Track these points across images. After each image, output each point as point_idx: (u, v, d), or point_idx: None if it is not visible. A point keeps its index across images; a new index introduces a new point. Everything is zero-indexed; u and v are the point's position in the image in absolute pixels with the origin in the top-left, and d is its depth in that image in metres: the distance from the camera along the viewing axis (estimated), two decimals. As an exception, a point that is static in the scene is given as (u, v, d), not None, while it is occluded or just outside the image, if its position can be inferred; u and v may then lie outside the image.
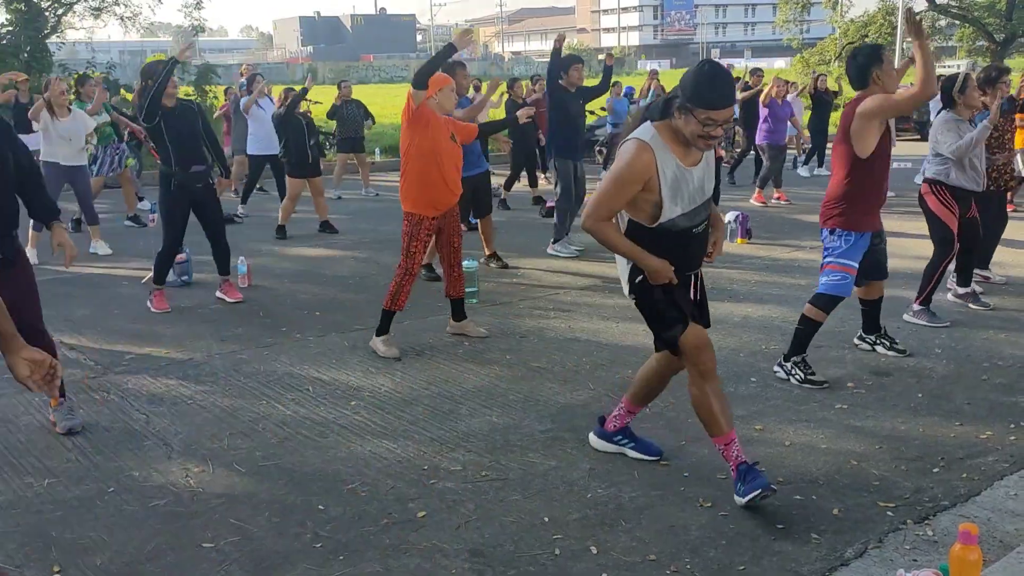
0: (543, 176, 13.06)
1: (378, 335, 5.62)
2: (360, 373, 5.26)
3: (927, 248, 8.45)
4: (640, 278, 3.56)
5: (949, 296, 6.54)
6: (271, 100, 11.04)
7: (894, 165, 15.56)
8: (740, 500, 3.48)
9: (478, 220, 8.21)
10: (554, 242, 8.68)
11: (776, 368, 5.09)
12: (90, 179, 9.23)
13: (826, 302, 4.95)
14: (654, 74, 14.06)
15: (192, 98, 14.52)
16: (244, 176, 11.50)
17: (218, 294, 7.01)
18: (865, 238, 4.90)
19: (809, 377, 4.93)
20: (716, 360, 3.62)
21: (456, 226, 5.80)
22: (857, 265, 4.90)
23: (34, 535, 3.40)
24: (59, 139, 8.51)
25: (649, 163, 3.35)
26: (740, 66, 13.92)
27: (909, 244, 8.80)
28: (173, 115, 6.42)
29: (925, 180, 6.22)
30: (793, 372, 4.97)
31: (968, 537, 2.67)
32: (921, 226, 9.62)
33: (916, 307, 6.10)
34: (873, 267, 5.10)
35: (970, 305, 6.40)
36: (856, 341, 5.58)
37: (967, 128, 6.09)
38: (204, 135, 6.67)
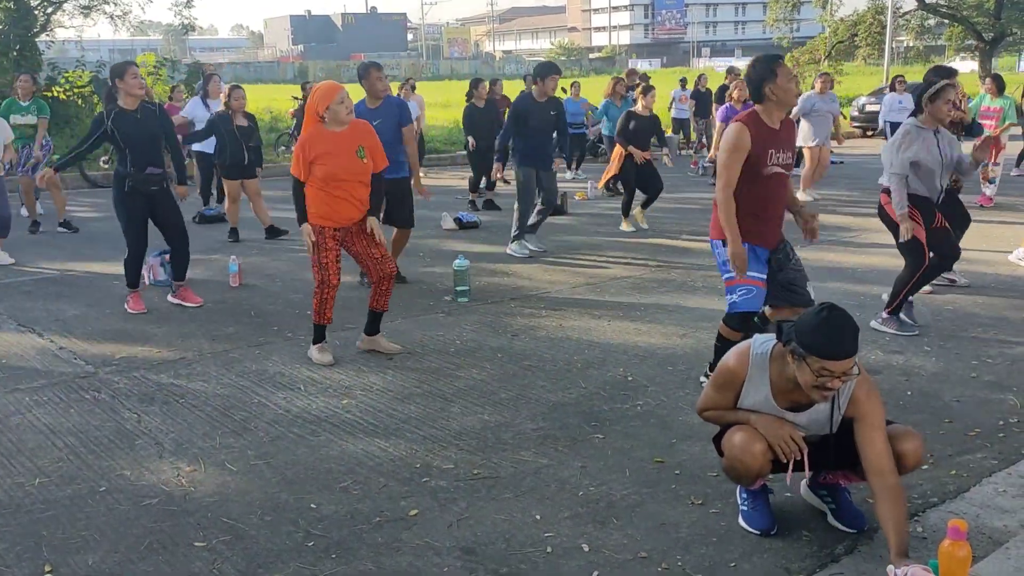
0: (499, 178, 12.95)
1: (314, 343, 5.47)
2: (352, 372, 5.26)
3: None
4: None
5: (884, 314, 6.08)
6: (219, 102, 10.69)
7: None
8: None
9: (396, 229, 7.39)
10: (512, 242, 8.61)
11: (702, 379, 4.90)
12: (4, 183, 8.53)
13: (739, 321, 4.59)
14: (633, 74, 14.14)
15: (185, 97, 14.43)
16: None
17: (172, 299, 6.82)
18: (757, 250, 4.53)
19: None
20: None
21: (370, 238, 5.35)
22: (764, 277, 4.55)
23: (25, 535, 3.39)
24: None
25: (737, 377, 3.21)
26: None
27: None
28: (132, 118, 6.28)
29: (884, 190, 5.93)
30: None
31: (957, 533, 2.68)
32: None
33: (884, 315, 5.91)
34: (785, 289, 4.61)
35: (890, 330, 5.89)
36: None
37: (928, 139, 5.69)
38: (166, 139, 6.52)
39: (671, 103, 17.99)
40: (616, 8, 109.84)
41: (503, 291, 7.18)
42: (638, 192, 10.10)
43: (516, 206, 8.57)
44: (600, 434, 4.28)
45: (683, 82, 18.13)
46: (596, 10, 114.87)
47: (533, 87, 8.31)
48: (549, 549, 3.25)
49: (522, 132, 8.24)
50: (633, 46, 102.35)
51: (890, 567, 2.82)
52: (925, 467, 3.84)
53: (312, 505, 3.60)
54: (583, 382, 5.02)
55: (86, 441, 4.27)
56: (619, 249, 8.80)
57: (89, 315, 6.57)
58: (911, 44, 38.79)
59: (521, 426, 4.39)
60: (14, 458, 4.08)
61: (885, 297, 6.20)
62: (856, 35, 32.22)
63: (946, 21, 32.32)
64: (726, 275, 4.59)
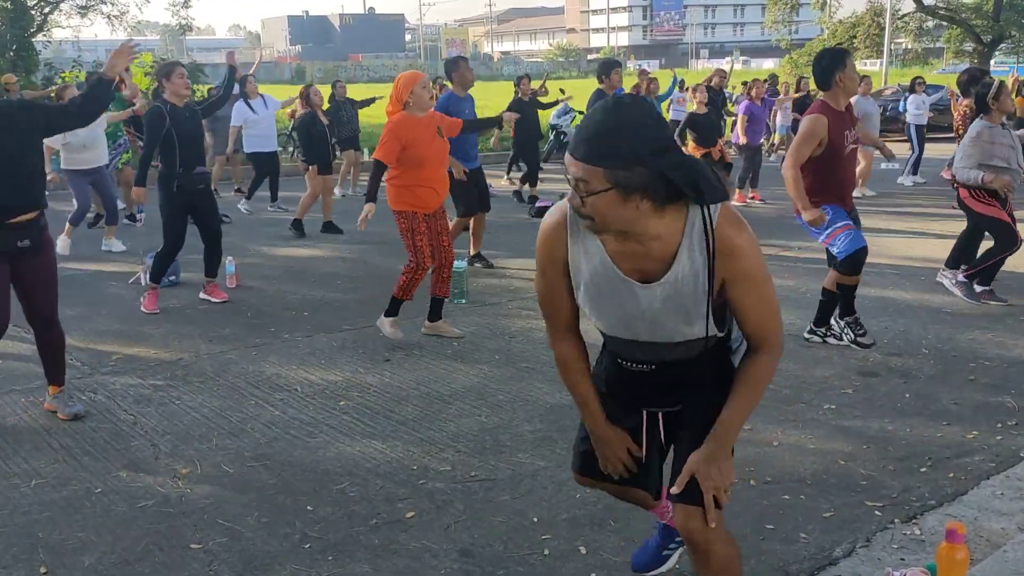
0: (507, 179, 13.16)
1: (386, 315, 5.73)
2: (349, 373, 5.25)
3: (914, 248, 8.51)
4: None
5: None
6: (263, 100, 11.04)
7: (882, 166, 15.54)
8: None
9: (474, 216, 8.07)
10: None
11: (834, 322, 5.50)
12: (111, 179, 9.37)
13: (851, 264, 5.18)
14: (644, 74, 14.12)
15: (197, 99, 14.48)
16: (223, 177, 11.64)
17: (202, 295, 6.99)
18: (840, 209, 5.14)
19: (859, 339, 5.37)
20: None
21: (444, 225, 5.79)
22: (853, 223, 5.14)
23: (21, 536, 3.38)
24: (81, 146, 8.55)
25: (558, 238, 2.34)
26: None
27: (896, 244, 8.85)
28: (183, 115, 6.40)
29: (961, 185, 6.29)
30: (846, 331, 5.41)
31: (955, 536, 2.68)
32: (907, 227, 9.69)
33: (960, 277, 6.23)
34: None
35: (990, 302, 6.42)
36: (814, 336, 5.66)
37: (1000, 136, 6.14)
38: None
39: (669, 104, 17.98)
40: (615, 9, 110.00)
41: (501, 293, 7.18)
42: None
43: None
44: (598, 436, 4.27)
45: (681, 83, 18.11)
46: (594, 11, 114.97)
47: (600, 84, 8.67)
48: (547, 551, 3.24)
49: None
50: (631, 47, 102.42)
51: (888, 569, 2.82)
52: (923, 469, 3.85)
53: (309, 507, 3.60)
54: (581, 384, 5.00)
55: (82, 442, 4.26)
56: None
57: (86, 316, 6.56)
58: (909, 46, 38.91)
59: (519, 428, 4.39)
60: (10, 459, 4.07)
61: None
62: (854, 37, 32.29)
63: (945, 23, 32.40)
64: (821, 236, 5.15)
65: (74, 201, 9.04)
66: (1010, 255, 6.28)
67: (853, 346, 5.40)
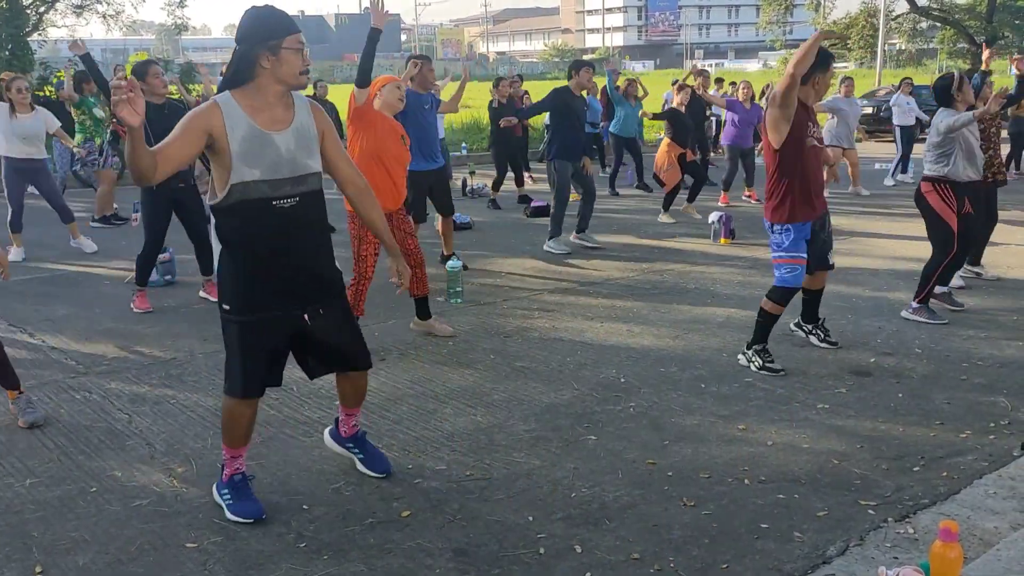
0: (528, 176, 13.12)
1: None
2: (344, 373, 5.24)
3: (907, 248, 8.53)
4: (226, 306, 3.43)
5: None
6: None
7: (875, 166, 15.58)
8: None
9: (440, 218, 7.94)
10: (549, 239, 8.74)
11: (739, 356, 5.31)
12: (53, 177, 9.07)
13: (781, 294, 5.14)
14: (615, 74, 14.32)
15: (176, 97, 14.39)
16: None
17: (202, 293, 6.99)
18: (804, 228, 5.04)
19: (767, 364, 5.14)
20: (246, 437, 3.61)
21: (406, 226, 5.76)
22: (805, 255, 5.07)
23: (15, 535, 3.38)
24: (14, 137, 8.35)
25: (211, 118, 3.22)
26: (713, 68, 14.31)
27: (889, 245, 8.87)
28: (160, 114, 6.38)
29: (925, 178, 6.20)
30: (753, 359, 5.19)
31: (948, 535, 2.69)
32: (899, 227, 9.71)
33: (915, 305, 6.16)
34: (816, 258, 5.21)
35: (944, 305, 6.35)
36: (792, 328, 5.72)
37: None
38: None
39: (664, 105, 18.03)
40: (610, 10, 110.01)
41: (496, 292, 7.18)
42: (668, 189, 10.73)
43: (552, 202, 8.73)
44: (593, 435, 4.28)
45: (676, 84, 18.16)
46: (590, 11, 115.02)
47: (569, 81, 8.55)
48: (542, 550, 3.25)
49: (561, 126, 8.44)
50: (626, 48, 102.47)
51: (882, 568, 2.83)
52: (916, 469, 3.86)
53: (304, 506, 3.60)
54: (576, 383, 5.02)
55: (76, 442, 4.25)
56: (612, 250, 8.81)
57: (80, 315, 6.55)
58: (903, 47, 39.03)
59: (514, 427, 4.39)
60: (4, 459, 4.07)
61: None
62: (849, 38, 32.37)
63: (938, 24, 32.50)
64: (776, 254, 5.07)
65: (7, 202, 8.57)
66: (946, 263, 6.07)
67: (763, 372, 5.11)
